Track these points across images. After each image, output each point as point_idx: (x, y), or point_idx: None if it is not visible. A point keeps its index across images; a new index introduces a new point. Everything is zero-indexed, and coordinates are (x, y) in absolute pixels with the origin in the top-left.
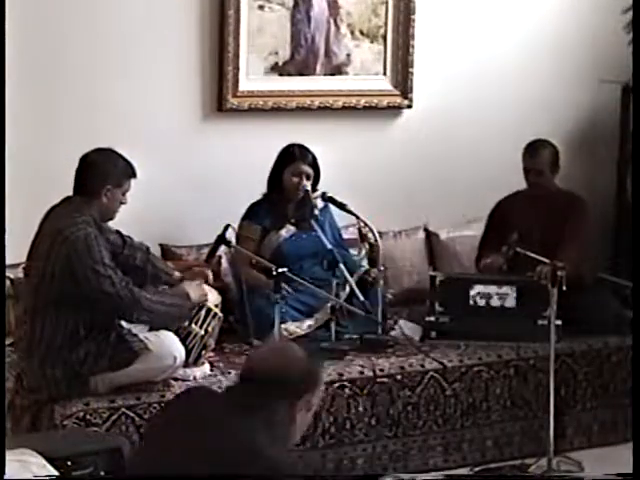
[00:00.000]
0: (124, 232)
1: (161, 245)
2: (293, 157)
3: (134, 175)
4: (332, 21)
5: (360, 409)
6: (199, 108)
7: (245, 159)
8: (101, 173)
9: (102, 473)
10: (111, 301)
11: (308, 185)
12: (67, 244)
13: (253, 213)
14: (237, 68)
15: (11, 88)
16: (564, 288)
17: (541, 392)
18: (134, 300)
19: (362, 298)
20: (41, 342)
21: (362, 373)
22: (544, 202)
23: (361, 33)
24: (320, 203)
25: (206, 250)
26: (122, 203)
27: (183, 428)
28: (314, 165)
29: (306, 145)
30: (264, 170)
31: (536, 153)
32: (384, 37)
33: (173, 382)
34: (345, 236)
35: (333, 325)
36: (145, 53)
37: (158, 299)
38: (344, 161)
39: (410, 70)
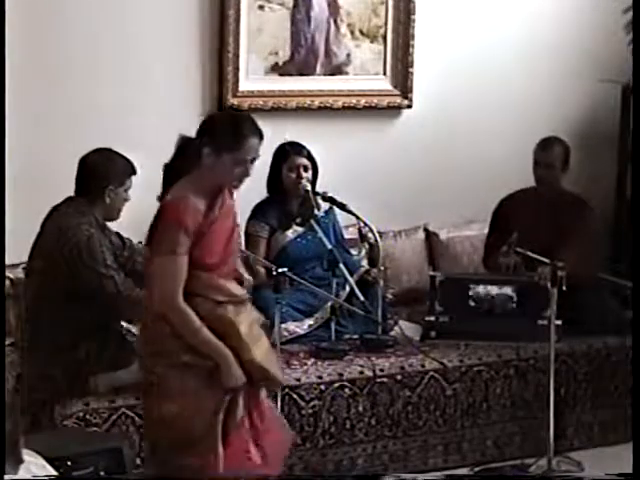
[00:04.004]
0: (124, 232)
1: None
2: (287, 153)
3: (134, 172)
4: (332, 21)
5: (360, 409)
6: (199, 108)
7: None
8: (103, 174)
9: (102, 473)
10: (113, 302)
11: (308, 184)
12: (69, 246)
13: (260, 212)
14: (237, 68)
15: (11, 88)
16: (564, 288)
17: (541, 392)
18: (137, 301)
19: (362, 298)
20: (41, 342)
21: (362, 373)
22: (548, 202)
23: (361, 33)
24: (325, 205)
25: None
26: (125, 200)
27: None
28: (310, 158)
29: (306, 145)
30: (264, 170)
31: (549, 147)
32: (384, 37)
33: None
34: (345, 236)
35: (333, 325)
36: (145, 53)
37: None
38: (344, 161)
39: (410, 70)
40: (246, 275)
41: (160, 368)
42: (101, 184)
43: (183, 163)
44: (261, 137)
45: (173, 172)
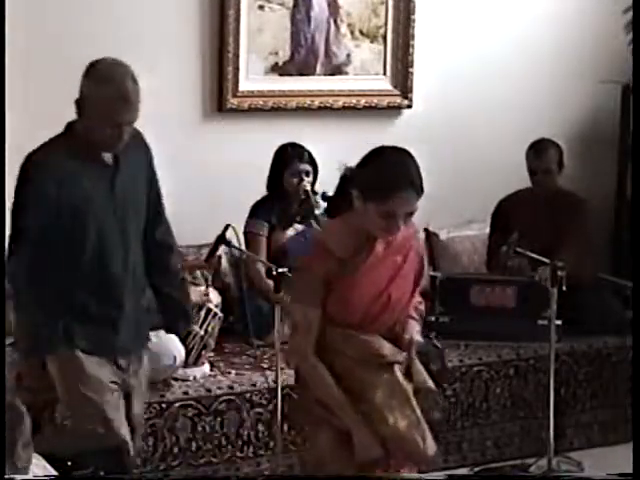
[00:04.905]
0: None
1: None
2: (289, 157)
3: None
4: (332, 21)
5: None
6: (199, 108)
7: (245, 159)
8: None
9: (102, 473)
10: None
11: (308, 185)
12: None
13: (259, 211)
14: (237, 68)
15: (12, 87)
16: (564, 288)
17: (541, 392)
18: None
19: None
20: None
21: None
22: (546, 202)
23: (361, 33)
24: (324, 204)
25: (206, 250)
26: None
27: None
28: (311, 162)
29: (306, 145)
30: (264, 170)
31: (543, 153)
32: (384, 37)
33: (173, 382)
34: None
35: None
36: (145, 53)
37: None
38: (344, 161)
39: (410, 70)
40: (416, 334)
41: (301, 420)
42: None
43: (342, 198)
44: (419, 190)
45: (332, 206)
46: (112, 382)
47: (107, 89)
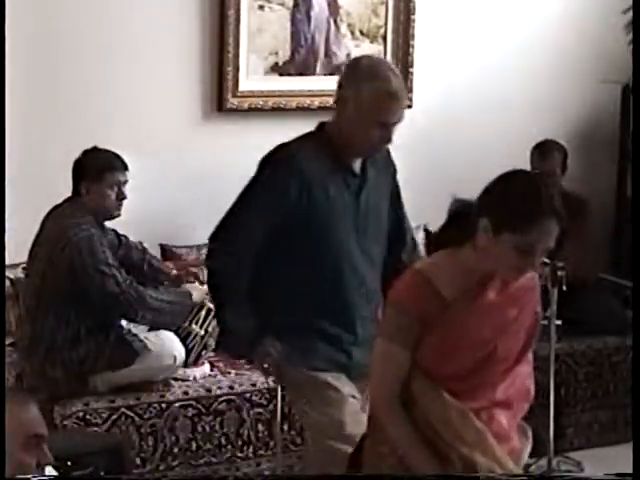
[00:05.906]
0: (124, 232)
1: (161, 245)
2: None
3: (122, 167)
4: (332, 21)
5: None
6: (199, 108)
7: (245, 159)
8: (77, 170)
9: (102, 473)
10: (116, 300)
11: None
12: (70, 246)
13: None
14: (237, 68)
15: (11, 88)
16: (564, 288)
17: (541, 392)
18: (139, 298)
19: None
20: (41, 342)
21: None
22: None
23: (361, 33)
24: None
25: (206, 250)
26: (121, 198)
27: None
28: None
29: None
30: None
31: (548, 154)
32: (384, 37)
33: (173, 382)
34: None
35: None
36: (145, 53)
37: (161, 297)
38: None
39: (410, 70)
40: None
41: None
42: (76, 181)
43: (454, 230)
44: (561, 223)
45: (438, 241)
46: (352, 396)
47: (376, 85)
